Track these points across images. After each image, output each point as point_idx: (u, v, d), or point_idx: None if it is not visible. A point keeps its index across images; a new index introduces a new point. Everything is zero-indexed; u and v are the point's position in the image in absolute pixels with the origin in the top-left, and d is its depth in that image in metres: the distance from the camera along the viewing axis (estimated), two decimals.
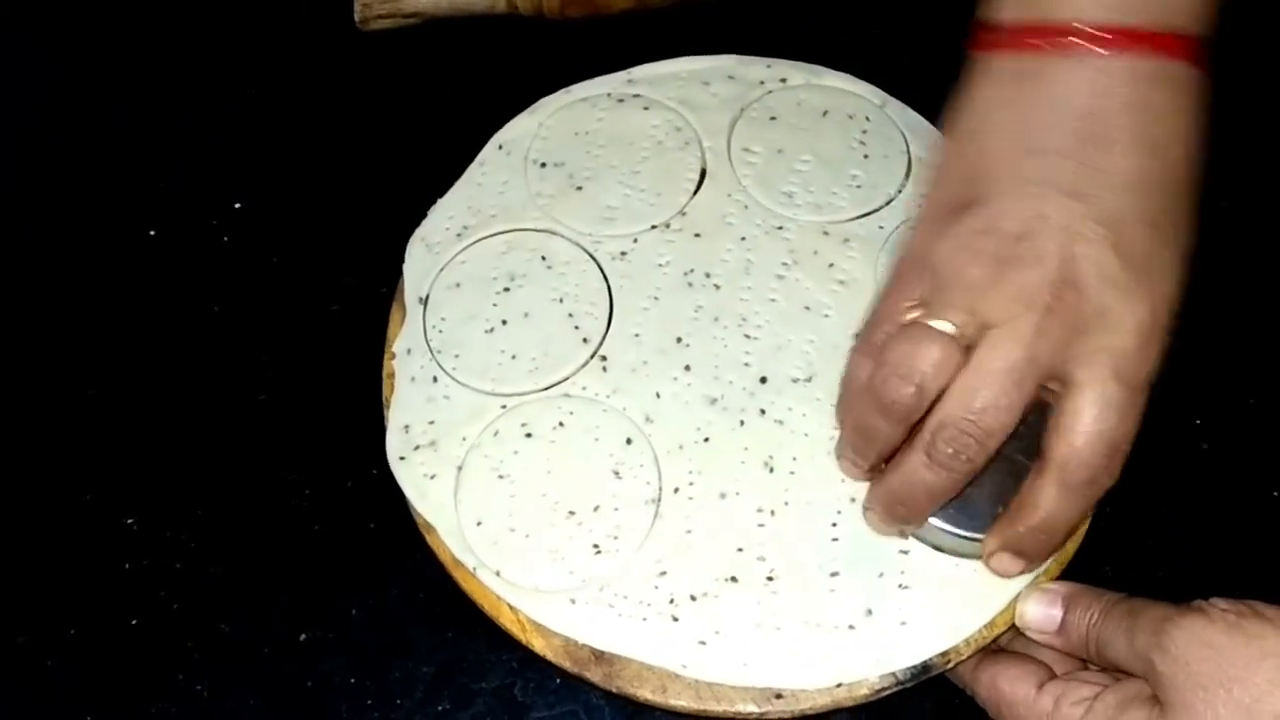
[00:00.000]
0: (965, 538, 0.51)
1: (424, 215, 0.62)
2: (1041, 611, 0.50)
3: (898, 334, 0.49)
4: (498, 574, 0.52)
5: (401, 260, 0.61)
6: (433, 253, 0.61)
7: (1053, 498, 0.47)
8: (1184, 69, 0.48)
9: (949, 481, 0.48)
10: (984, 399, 0.46)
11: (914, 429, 0.49)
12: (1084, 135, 0.48)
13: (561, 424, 0.56)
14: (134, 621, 0.55)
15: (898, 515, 0.51)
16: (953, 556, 0.52)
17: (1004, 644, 0.52)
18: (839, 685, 0.50)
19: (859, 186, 0.63)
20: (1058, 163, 0.48)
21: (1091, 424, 0.46)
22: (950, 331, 0.47)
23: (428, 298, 0.60)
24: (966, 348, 0.47)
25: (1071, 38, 0.48)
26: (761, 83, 0.67)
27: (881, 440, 0.50)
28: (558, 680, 0.54)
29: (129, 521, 0.58)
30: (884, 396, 0.48)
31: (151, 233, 0.66)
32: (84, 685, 0.54)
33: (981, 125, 0.51)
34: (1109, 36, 0.48)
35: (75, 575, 0.57)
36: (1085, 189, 0.47)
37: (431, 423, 0.56)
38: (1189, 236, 0.49)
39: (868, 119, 0.65)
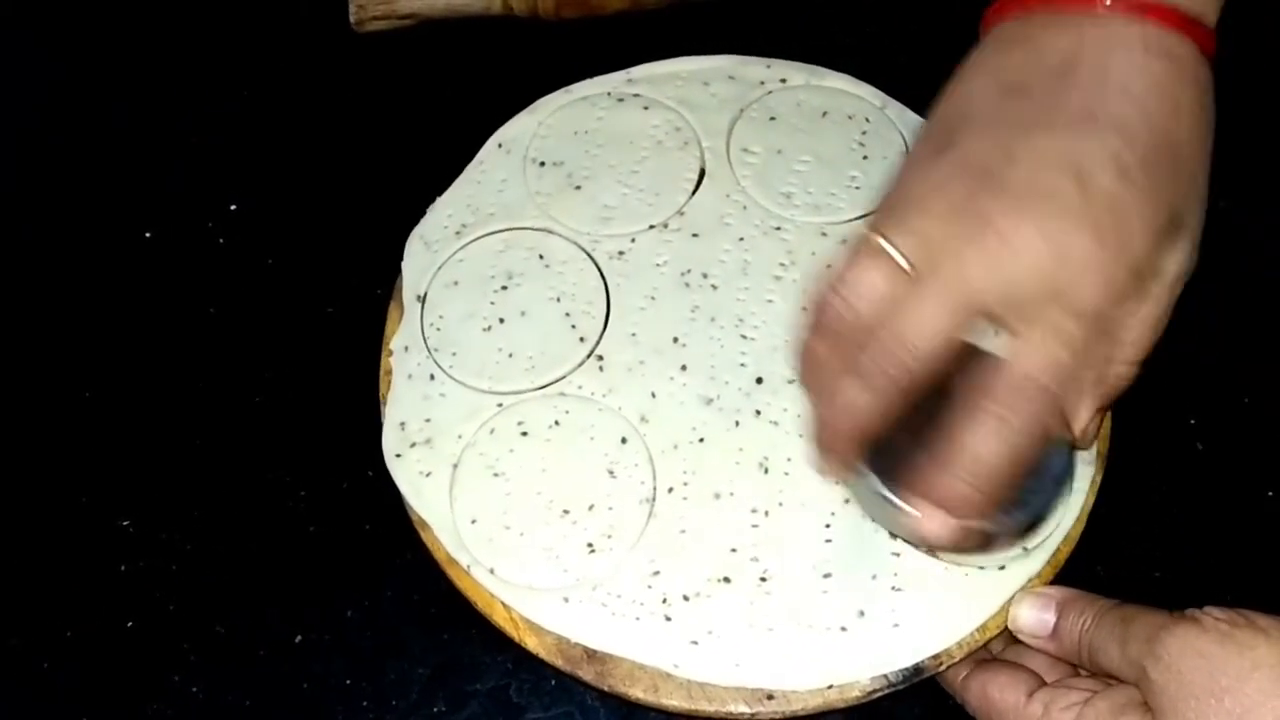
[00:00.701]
0: (898, 506, 0.47)
1: (421, 217, 0.62)
2: (1035, 616, 0.50)
3: (849, 257, 0.47)
4: (492, 572, 0.52)
5: (399, 262, 0.61)
6: (431, 250, 0.61)
7: (983, 432, 0.44)
8: (1182, 42, 0.47)
9: (871, 401, 0.46)
10: (916, 315, 0.44)
11: None
12: (1061, 75, 0.46)
13: (557, 423, 0.56)
14: (130, 623, 0.56)
15: (824, 443, 0.48)
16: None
17: (996, 653, 0.52)
18: (830, 687, 0.50)
19: (858, 188, 0.63)
20: (1031, 101, 0.46)
21: (1025, 352, 0.44)
22: (901, 263, 0.45)
23: (426, 295, 0.60)
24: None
25: None
26: (761, 83, 0.67)
27: (819, 363, 0.47)
28: (552, 681, 0.54)
29: (125, 523, 0.58)
30: (821, 314, 0.47)
31: (147, 234, 0.67)
32: (80, 687, 0.54)
33: (967, 77, 0.50)
34: None
35: (71, 577, 0.57)
36: (1056, 125, 0.46)
37: (428, 420, 0.56)
38: (1176, 201, 0.46)
39: (867, 120, 0.65)
